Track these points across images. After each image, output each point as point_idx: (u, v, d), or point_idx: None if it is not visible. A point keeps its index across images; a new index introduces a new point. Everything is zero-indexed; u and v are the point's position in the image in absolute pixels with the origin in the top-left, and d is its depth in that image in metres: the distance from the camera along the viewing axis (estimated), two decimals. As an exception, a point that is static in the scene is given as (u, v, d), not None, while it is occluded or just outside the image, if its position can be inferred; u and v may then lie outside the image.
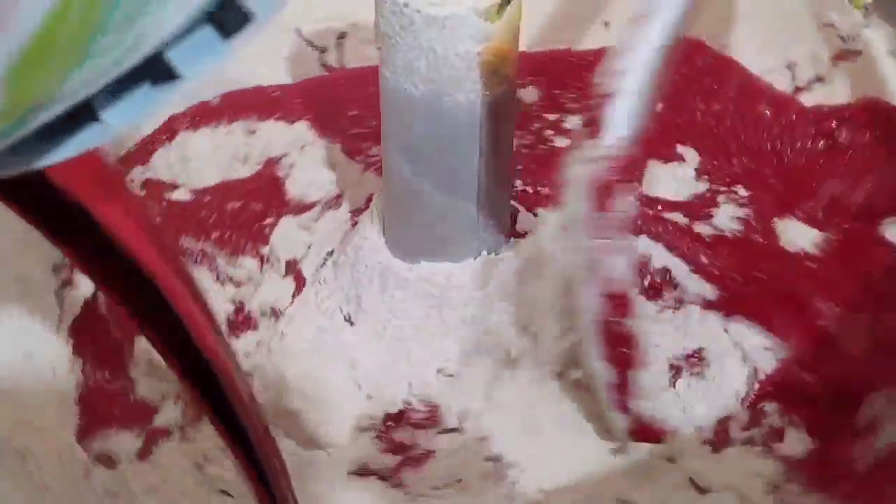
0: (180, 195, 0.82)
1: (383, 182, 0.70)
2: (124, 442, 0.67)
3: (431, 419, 0.69)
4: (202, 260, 0.77)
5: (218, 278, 0.76)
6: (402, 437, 0.68)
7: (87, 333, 0.72)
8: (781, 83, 0.84)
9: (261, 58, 0.86)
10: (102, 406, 0.68)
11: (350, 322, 0.72)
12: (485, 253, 0.71)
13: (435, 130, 0.64)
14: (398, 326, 0.70)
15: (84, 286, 0.73)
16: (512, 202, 0.75)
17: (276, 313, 0.74)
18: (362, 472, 0.66)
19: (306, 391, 0.68)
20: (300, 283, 0.76)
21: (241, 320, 0.75)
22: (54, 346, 0.71)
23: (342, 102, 0.86)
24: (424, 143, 0.65)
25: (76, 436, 0.66)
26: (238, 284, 0.76)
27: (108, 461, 0.65)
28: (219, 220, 0.80)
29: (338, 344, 0.71)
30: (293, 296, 0.75)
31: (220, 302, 0.75)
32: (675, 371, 0.70)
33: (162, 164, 0.85)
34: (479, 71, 0.61)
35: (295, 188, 0.82)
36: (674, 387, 0.69)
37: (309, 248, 0.78)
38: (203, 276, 0.76)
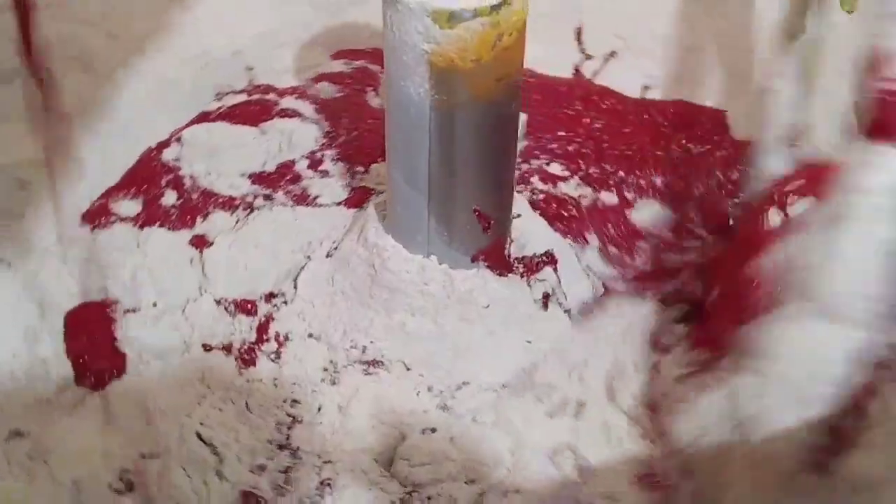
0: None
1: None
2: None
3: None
4: (331, 140, 0.89)
5: (333, 158, 0.87)
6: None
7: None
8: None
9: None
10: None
11: (328, 255, 0.77)
12: (434, 258, 0.70)
13: (397, 106, 0.65)
14: (344, 277, 0.74)
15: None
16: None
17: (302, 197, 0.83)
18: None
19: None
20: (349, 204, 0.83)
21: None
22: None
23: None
24: (392, 112, 0.67)
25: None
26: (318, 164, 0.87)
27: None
28: (348, 128, 0.91)
29: (301, 259, 0.78)
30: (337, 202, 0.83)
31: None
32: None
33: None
34: (427, 70, 0.61)
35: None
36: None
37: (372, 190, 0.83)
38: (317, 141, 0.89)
